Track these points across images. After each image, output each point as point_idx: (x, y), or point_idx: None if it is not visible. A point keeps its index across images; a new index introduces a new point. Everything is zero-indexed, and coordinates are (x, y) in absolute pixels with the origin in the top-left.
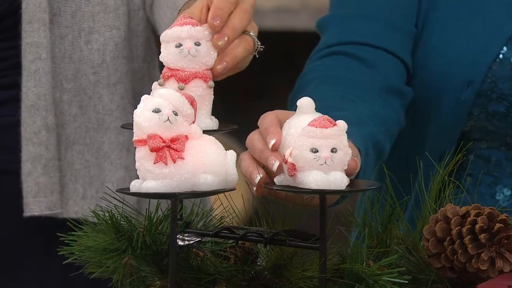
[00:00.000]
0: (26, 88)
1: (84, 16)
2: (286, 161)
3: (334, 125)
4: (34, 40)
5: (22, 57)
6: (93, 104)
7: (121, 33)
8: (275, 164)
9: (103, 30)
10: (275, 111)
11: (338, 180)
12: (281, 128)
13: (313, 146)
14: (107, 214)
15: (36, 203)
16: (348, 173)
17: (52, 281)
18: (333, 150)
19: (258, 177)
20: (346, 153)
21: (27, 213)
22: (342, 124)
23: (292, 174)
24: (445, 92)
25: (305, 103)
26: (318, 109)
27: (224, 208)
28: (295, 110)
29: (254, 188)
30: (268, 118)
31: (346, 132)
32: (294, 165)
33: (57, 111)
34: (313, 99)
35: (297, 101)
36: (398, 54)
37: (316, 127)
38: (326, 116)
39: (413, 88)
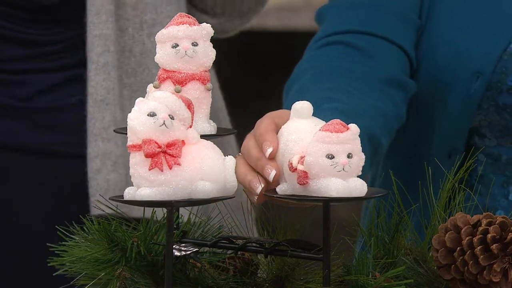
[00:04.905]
0: (95, 82)
1: (146, 8)
2: (295, 169)
3: (347, 129)
4: (102, 32)
5: (88, 50)
6: None
7: None
8: (271, 174)
9: (166, 22)
10: (271, 114)
11: (359, 187)
12: (277, 133)
13: (329, 152)
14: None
15: (106, 202)
16: None
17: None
18: (349, 156)
19: (260, 187)
20: (361, 158)
21: (96, 212)
22: (354, 128)
23: (304, 182)
24: (453, 85)
25: (303, 107)
26: (312, 100)
27: (223, 217)
28: (290, 99)
29: (255, 198)
30: (263, 124)
31: None
32: (306, 173)
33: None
34: (308, 90)
35: (292, 94)
36: (400, 44)
37: (331, 132)
38: (338, 120)
39: (418, 82)
